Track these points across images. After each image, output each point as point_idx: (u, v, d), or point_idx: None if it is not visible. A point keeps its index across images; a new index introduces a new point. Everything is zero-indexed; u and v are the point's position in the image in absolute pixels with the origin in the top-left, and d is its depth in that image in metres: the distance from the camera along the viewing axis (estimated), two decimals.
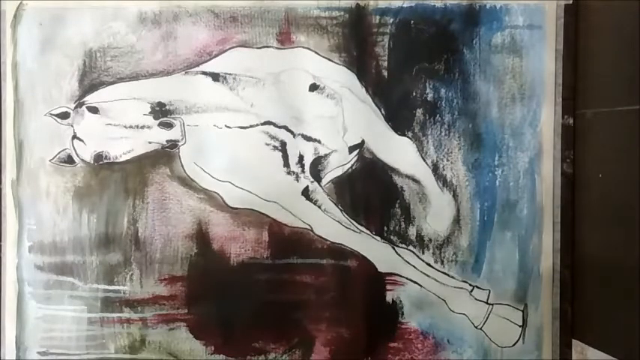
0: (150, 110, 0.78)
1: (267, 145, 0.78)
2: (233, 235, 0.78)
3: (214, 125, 0.78)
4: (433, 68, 0.78)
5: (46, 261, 0.78)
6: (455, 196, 0.79)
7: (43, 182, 0.79)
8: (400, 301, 0.79)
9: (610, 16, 0.72)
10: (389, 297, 0.79)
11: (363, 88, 0.78)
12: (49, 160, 0.79)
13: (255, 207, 0.78)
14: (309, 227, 0.78)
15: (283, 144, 0.78)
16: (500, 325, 0.78)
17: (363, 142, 0.79)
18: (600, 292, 0.73)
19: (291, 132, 0.78)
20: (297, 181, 0.78)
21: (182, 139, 0.78)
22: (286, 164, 0.78)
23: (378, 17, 0.77)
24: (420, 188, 0.79)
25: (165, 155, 0.78)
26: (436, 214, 0.79)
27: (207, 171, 0.78)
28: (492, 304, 0.78)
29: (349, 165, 0.79)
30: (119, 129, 0.78)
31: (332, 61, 0.78)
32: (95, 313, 0.79)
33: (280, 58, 0.77)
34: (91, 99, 0.78)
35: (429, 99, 0.78)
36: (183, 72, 0.78)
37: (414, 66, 0.78)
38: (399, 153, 0.78)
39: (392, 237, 0.79)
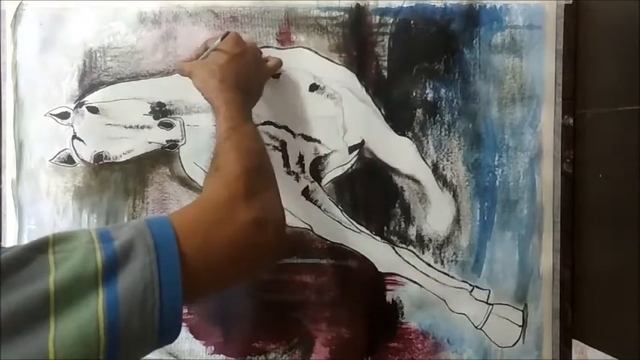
0: (150, 110, 0.78)
1: (267, 145, 0.78)
2: None
3: (214, 125, 0.78)
4: (433, 68, 0.78)
5: None
6: (455, 196, 0.79)
7: (43, 182, 0.79)
8: (400, 301, 0.79)
9: (610, 16, 0.72)
10: (389, 297, 0.79)
11: (363, 88, 0.78)
12: (49, 160, 0.79)
13: None
14: (309, 227, 0.78)
15: (283, 144, 0.78)
16: (500, 325, 0.78)
17: (363, 142, 0.79)
18: (600, 291, 0.73)
19: (291, 132, 0.78)
20: (297, 181, 0.78)
21: (182, 139, 0.78)
22: (286, 164, 0.78)
23: (378, 17, 0.77)
24: (420, 188, 0.79)
25: (165, 155, 0.78)
26: (436, 214, 0.79)
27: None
28: (492, 304, 0.78)
29: (349, 165, 0.79)
30: (119, 129, 0.78)
31: (332, 61, 0.78)
32: None
33: (280, 58, 0.77)
34: (91, 99, 0.78)
35: (429, 99, 0.78)
36: None
37: (414, 66, 0.78)
38: (399, 153, 0.78)
39: (392, 237, 0.79)
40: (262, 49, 0.77)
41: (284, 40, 0.78)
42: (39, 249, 0.42)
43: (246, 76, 0.67)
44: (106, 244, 0.44)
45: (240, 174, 0.55)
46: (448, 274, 0.79)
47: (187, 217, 0.51)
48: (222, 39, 0.68)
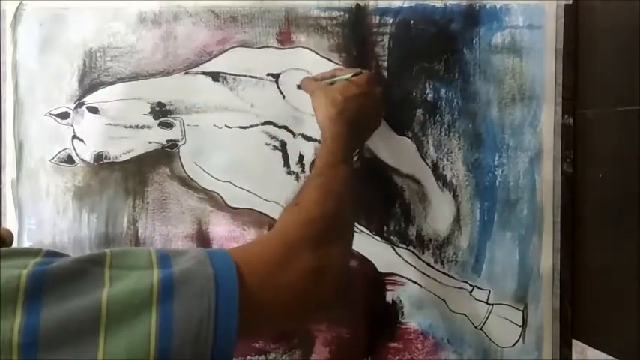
0: (150, 110, 0.78)
1: (267, 145, 0.78)
2: (233, 235, 0.78)
3: (214, 125, 0.78)
4: (433, 68, 0.78)
5: None
6: (455, 196, 0.79)
7: (43, 182, 0.79)
8: (400, 301, 0.79)
9: (610, 16, 0.72)
10: (389, 297, 0.79)
11: None
12: (49, 160, 0.79)
13: (255, 207, 0.78)
14: None
15: (283, 144, 0.78)
16: (500, 325, 0.78)
17: None
18: (600, 292, 0.73)
19: (291, 132, 0.78)
20: (297, 181, 0.78)
21: (182, 139, 0.78)
22: (286, 164, 0.78)
23: (378, 17, 0.77)
24: (420, 188, 0.79)
25: (165, 155, 0.78)
26: (436, 214, 0.79)
27: (207, 171, 0.78)
28: (492, 304, 0.78)
29: None
30: (119, 129, 0.78)
31: (332, 61, 0.78)
32: None
33: (280, 58, 0.77)
34: (91, 99, 0.78)
35: (429, 99, 0.78)
36: (183, 72, 0.78)
37: (414, 66, 0.78)
38: (399, 153, 0.78)
39: (392, 237, 0.79)
40: (262, 49, 0.77)
41: (284, 40, 0.78)
42: (95, 261, 0.41)
43: (365, 117, 0.66)
44: (164, 269, 0.42)
45: (318, 218, 0.53)
46: (448, 274, 0.79)
47: (250, 251, 0.50)
48: (355, 75, 0.67)
